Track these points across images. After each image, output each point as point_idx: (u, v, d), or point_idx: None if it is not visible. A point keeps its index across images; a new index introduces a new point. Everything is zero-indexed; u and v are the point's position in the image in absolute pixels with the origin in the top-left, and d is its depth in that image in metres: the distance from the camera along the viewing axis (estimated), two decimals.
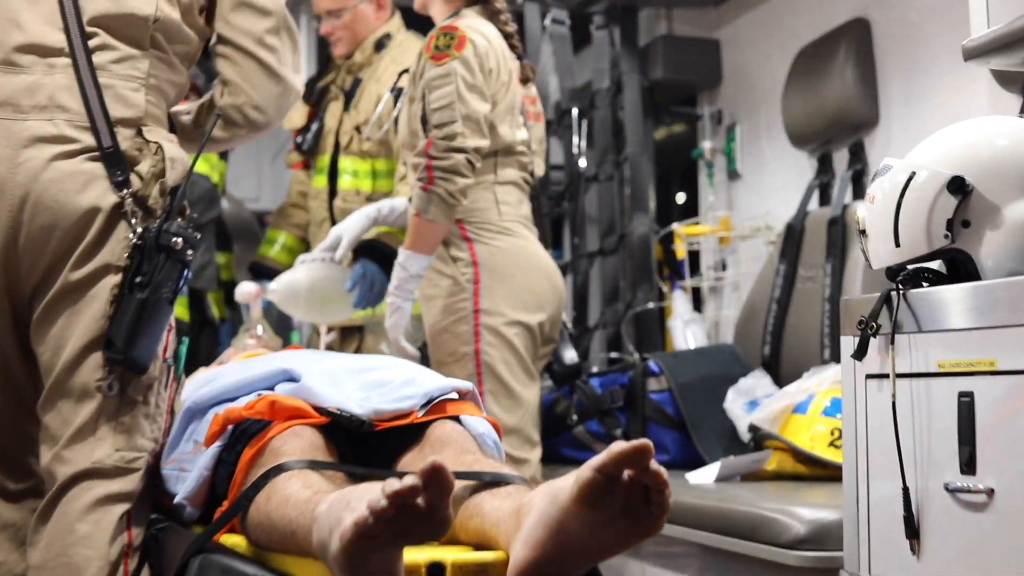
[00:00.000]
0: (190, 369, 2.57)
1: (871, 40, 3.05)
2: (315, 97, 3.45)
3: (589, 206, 3.92)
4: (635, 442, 1.28)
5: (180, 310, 3.53)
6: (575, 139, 3.85)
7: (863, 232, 1.74)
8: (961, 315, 1.57)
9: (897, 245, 1.67)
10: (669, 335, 3.66)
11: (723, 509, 2.15)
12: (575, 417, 2.94)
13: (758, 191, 3.63)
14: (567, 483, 1.34)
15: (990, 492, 1.49)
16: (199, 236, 3.51)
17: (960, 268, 1.66)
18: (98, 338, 1.76)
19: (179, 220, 1.80)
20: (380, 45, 3.34)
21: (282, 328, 3.67)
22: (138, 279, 1.75)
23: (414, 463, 1.71)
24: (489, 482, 1.55)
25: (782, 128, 3.30)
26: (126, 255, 1.77)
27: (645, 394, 2.89)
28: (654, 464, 1.30)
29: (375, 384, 1.85)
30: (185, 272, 1.81)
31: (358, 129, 3.28)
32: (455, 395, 1.85)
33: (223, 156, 3.70)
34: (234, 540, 1.62)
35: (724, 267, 3.78)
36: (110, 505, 1.76)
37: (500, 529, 1.45)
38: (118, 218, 1.77)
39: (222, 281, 3.73)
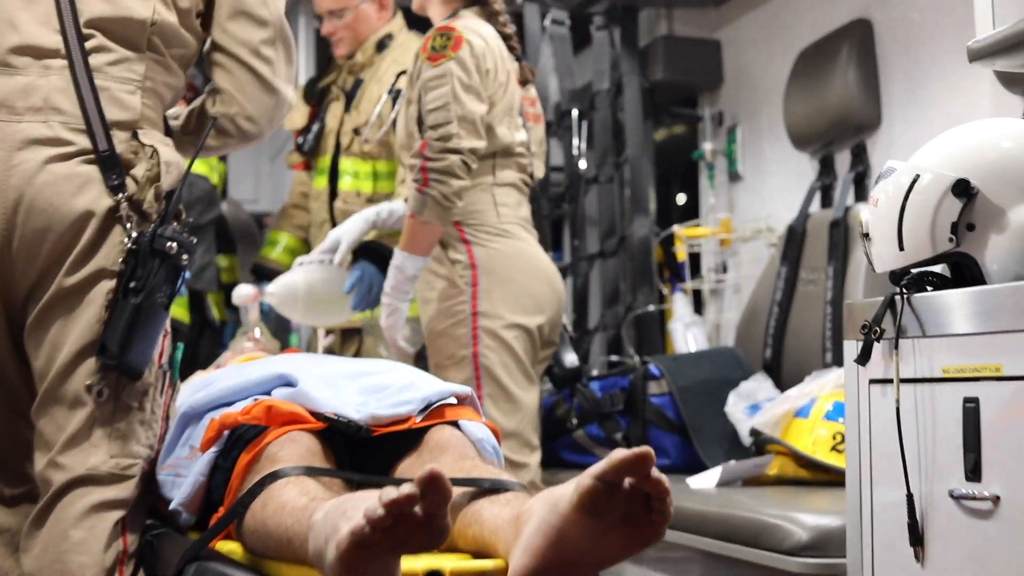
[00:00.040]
0: (189, 371, 2.56)
1: (873, 41, 3.04)
2: (316, 97, 3.43)
3: (589, 208, 3.91)
4: (636, 450, 1.26)
5: (181, 312, 3.52)
6: (575, 140, 3.83)
7: (866, 235, 1.73)
8: (966, 320, 1.55)
9: (901, 249, 1.66)
10: (669, 338, 3.65)
11: (725, 515, 2.14)
12: (575, 421, 2.92)
13: (759, 193, 3.62)
14: (567, 490, 1.33)
15: (996, 499, 1.48)
16: (198, 238, 3.53)
17: (965, 272, 1.65)
18: (92, 343, 1.74)
19: (174, 224, 1.79)
20: (381, 45, 3.32)
21: (282, 330, 3.66)
22: (132, 284, 1.73)
23: (412, 469, 1.69)
24: (488, 489, 1.53)
25: (783, 129, 3.29)
26: (120, 260, 1.75)
27: (645, 398, 2.87)
28: (655, 472, 1.28)
29: (373, 388, 1.83)
30: (180, 277, 1.79)
31: (356, 132, 3.26)
32: (454, 400, 1.83)
33: (222, 157, 3.68)
34: (230, 547, 1.61)
35: (725, 269, 3.76)
36: (105, 512, 1.75)
37: (499, 537, 1.43)
38: (113, 222, 1.75)
39: (224, 283, 3.72)
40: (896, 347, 1.63)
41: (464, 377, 2.51)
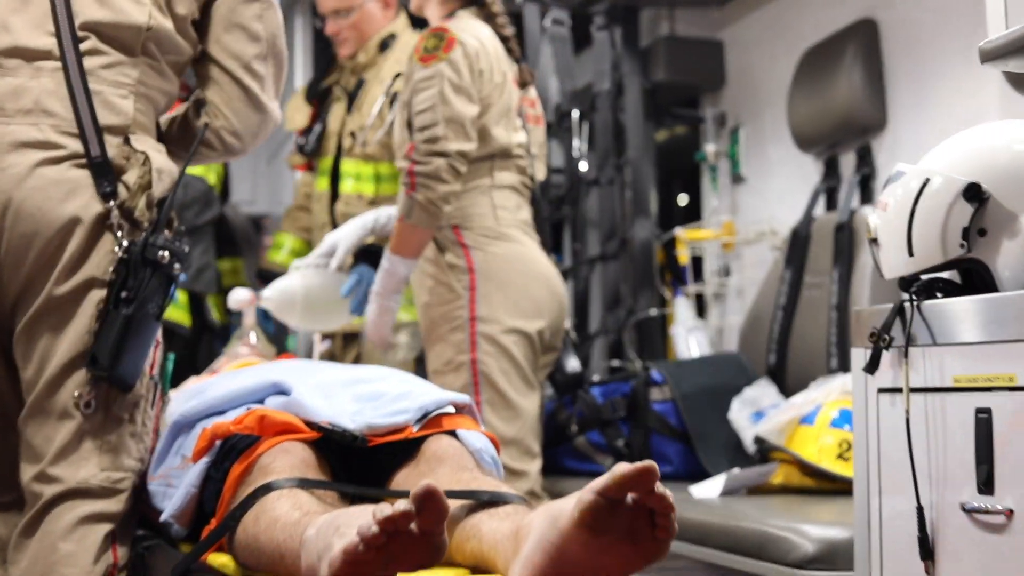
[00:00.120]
0: (188, 374, 2.53)
1: (879, 41, 3.00)
2: (318, 98, 3.39)
3: (590, 210, 3.88)
4: (639, 464, 1.23)
5: (181, 314, 3.49)
6: (575, 142, 3.80)
7: (875, 241, 1.70)
8: (978, 328, 1.52)
9: (911, 254, 1.63)
10: (671, 342, 3.61)
11: (729, 526, 2.10)
12: (576, 428, 2.89)
13: (763, 195, 3.59)
14: (568, 505, 1.29)
15: (1009, 513, 1.45)
16: (196, 239, 3.50)
17: (976, 279, 1.62)
18: (82, 354, 1.72)
19: (166, 233, 1.76)
20: (384, 45, 3.29)
21: (283, 333, 3.62)
22: (124, 294, 1.71)
23: (409, 480, 1.67)
24: (487, 502, 1.50)
25: (787, 131, 3.25)
26: (111, 269, 1.72)
27: (647, 404, 2.84)
28: (659, 487, 1.25)
29: (369, 396, 1.80)
30: (172, 287, 1.77)
31: (353, 135, 3.22)
32: (451, 409, 1.80)
33: None
34: (222, 560, 1.58)
35: (728, 273, 3.73)
36: (95, 524, 1.73)
37: (498, 552, 1.40)
38: (102, 229, 1.73)
39: (228, 286, 3.69)
40: (906, 355, 1.60)
41: (462, 383, 2.48)
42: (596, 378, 3.15)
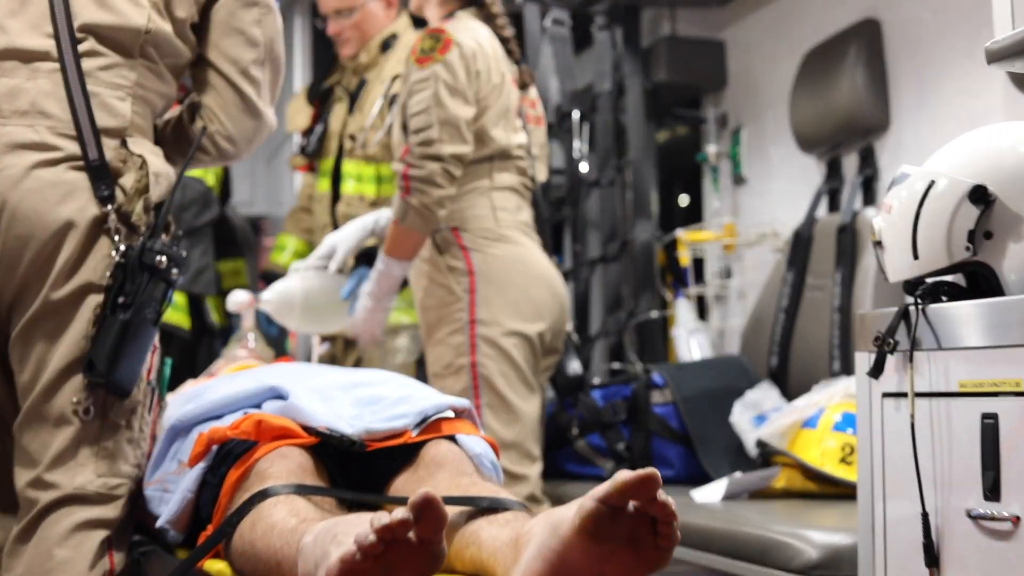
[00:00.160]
0: (188, 377, 2.51)
1: (882, 41, 2.98)
2: (320, 98, 3.37)
3: (590, 212, 3.85)
4: (641, 472, 1.21)
5: (180, 317, 3.48)
6: (576, 143, 3.77)
7: (879, 243, 1.68)
8: (984, 332, 1.50)
9: (915, 257, 1.61)
10: (672, 344, 3.59)
11: (731, 531, 2.08)
12: (576, 431, 2.87)
13: (764, 197, 3.57)
14: (568, 513, 1.28)
15: (1016, 520, 1.43)
16: (194, 240, 3.48)
17: (982, 282, 1.60)
18: (79, 360, 1.70)
19: (163, 237, 1.74)
20: (386, 45, 3.27)
21: (285, 335, 3.60)
22: (121, 299, 1.70)
23: (408, 486, 1.66)
24: (486, 508, 1.48)
25: (789, 132, 3.24)
26: (108, 274, 1.71)
27: (649, 407, 2.82)
28: (662, 494, 1.23)
29: (367, 401, 1.79)
30: (170, 292, 1.75)
31: (352, 138, 3.20)
32: (451, 413, 1.79)
33: None
34: (218, 567, 1.56)
35: (729, 275, 3.71)
36: (91, 530, 1.71)
37: (497, 559, 1.39)
38: (98, 233, 1.71)
39: (232, 288, 3.67)
40: (911, 360, 1.58)
41: (462, 386, 2.47)
42: (597, 381, 3.13)
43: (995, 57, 1.67)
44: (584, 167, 3.78)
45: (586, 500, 1.24)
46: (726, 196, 3.76)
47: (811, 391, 2.60)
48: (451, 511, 1.46)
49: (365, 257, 2.80)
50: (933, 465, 1.55)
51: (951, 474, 1.53)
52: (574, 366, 2.74)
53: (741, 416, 2.70)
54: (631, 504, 1.23)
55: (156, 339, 1.80)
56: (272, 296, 2.76)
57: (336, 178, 3.27)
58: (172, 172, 1.83)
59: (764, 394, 2.77)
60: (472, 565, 1.43)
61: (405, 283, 2.78)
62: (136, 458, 1.79)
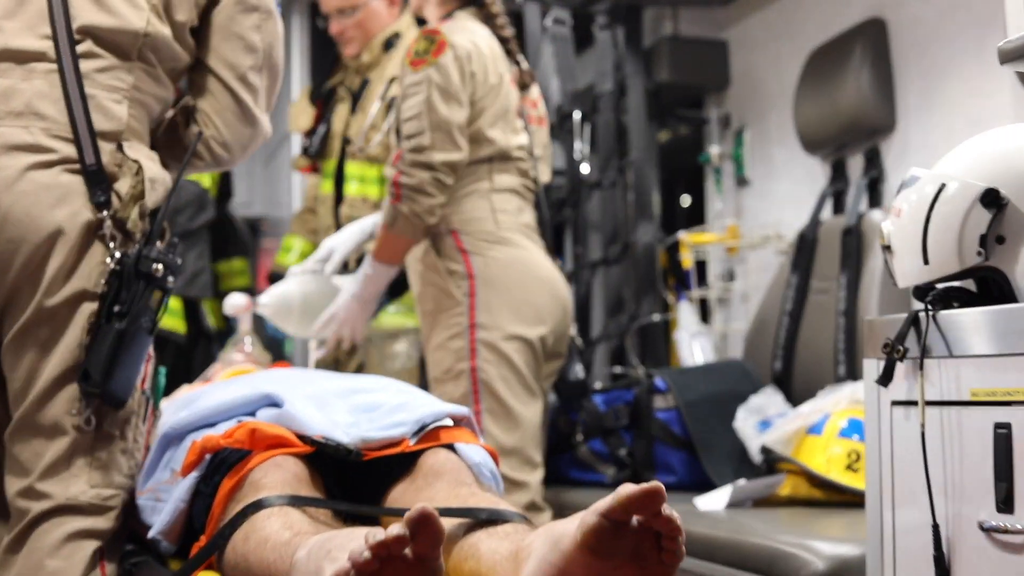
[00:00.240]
0: (181, 382, 2.48)
1: (887, 41, 2.95)
2: (323, 98, 3.34)
3: (592, 213, 3.82)
4: (645, 485, 1.18)
5: (175, 321, 3.45)
6: (577, 144, 3.74)
7: (888, 248, 1.64)
8: (996, 339, 1.46)
9: (926, 262, 1.57)
10: (674, 348, 3.56)
11: (736, 541, 2.04)
12: (581, 436, 2.84)
13: (768, 198, 3.54)
14: (570, 527, 1.25)
15: None
16: (190, 243, 3.45)
17: (993, 288, 1.56)
18: (73, 369, 1.68)
19: (158, 244, 1.72)
20: (389, 44, 3.24)
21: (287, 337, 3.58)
22: (117, 308, 1.67)
23: (405, 496, 1.63)
24: (485, 520, 1.46)
25: (793, 133, 3.20)
26: (103, 281, 1.68)
27: (651, 412, 2.78)
28: (666, 509, 1.20)
29: (365, 408, 1.77)
30: (165, 300, 1.74)
31: (348, 141, 3.17)
32: (449, 421, 1.77)
33: None
34: None
35: (732, 278, 3.68)
36: (83, 540, 1.69)
37: (497, 573, 1.36)
38: (92, 239, 1.69)
39: (237, 288, 3.64)
40: (921, 367, 1.54)
41: (462, 392, 2.44)
42: (598, 385, 3.10)
43: (1008, 57, 1.63)
44: (585, 168, 3.75)
45: (588, 514, 1.21)
46: (729, 198, 3.73)
47: (816, 396, 2.57)
48: (449, 523, 1.44)
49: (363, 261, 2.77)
50: (944, 476, 1.52)
51: (962, 485, 1.49)
52: (576, 371, 2.71)
53: (745, 422, 2.67)
54: (635, 518, 1.20)
55: (151, 348, 1.78)
56: (270, 300, 2.74)
57: (339, 179, 3.24)
58: (168, 178, 1.81)
59: (768, 399, 2.73)
60: None
61: (407, 287, 2.76)
62: (130, 468, 1.77)
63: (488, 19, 2.62)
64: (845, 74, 2.95)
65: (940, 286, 1.59)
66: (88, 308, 1.68)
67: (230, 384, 2.01)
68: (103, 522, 1.71)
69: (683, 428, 2.75)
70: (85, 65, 1.72)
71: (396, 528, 1.15)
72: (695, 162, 3.88)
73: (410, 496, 1.61)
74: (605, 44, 3.75)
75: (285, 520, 1.44)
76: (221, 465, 1.64)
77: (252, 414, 1.76)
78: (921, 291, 1.60)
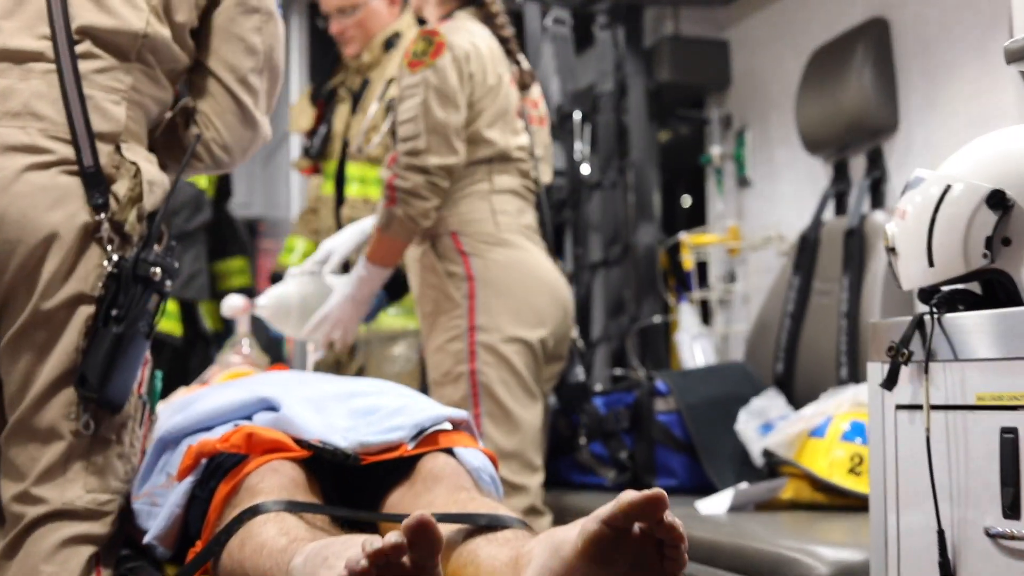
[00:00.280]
0: (176, 385, 2.46)
1: (890, 41, 2.92)
2: (324, 98, 3.32)
3: (592, 214, 3.80)
4: (648, 492, 1.16)
5: (171, 324, 3.43)
6: (577, 144, 3.73)
7: (893, 250, 1.63)
8: (1002, 343, 1.44)
9: (931, 264, 1.56)
10: (675, 350, 3.54)
11: (739, 545, 2.02)
12: (585, 439, 2.82)
13: (770, 199, 3.51)
14: (571, 534, 1.23)
15: None
16: (186, 245, 3.43)
17: (999, 290, 1.54)
18: (69, 372, 1.66)
19: (156, 248, 1.71)
20: (389, 44, 3.22)
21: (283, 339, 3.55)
22: (114, 312, 1.66)
23: (403, 501, 1.62)
24: (485, 526, 1.44)
25: (795, 133, 3.18)
26: (100, 284, 1.67)
27: (652, 415, 2.76)
28: (669, 516, 1.18)
29: (363, 411, 1.75)
30: (162, 303, 1.73)
31: (346, 142, 3.15)
32: (448, 425, 1.74)
33: None
34: None
35: (733, 279, 3.66)
36: (79, 546, 1.68)
37: None
38: (89, 241, 1.67)
39: (239, 288, 3.62)
40: (926, 371, 1.52)
41: (461, 395, 2.42)
42: (599, 388, 3.08)
43: (1015, 57, 1.62)
44: (585, 169, 3.73)
45: (589, 521, 1.19)
46: (730, 198, 3.71)
47: (818, 399, 2.55)
48: (448, 528, 1.42)
49: None
50: (949, 481, 1.50)
51: (968, 490, 1.47)
52: (577, 373, 2.69)
53: (746, 424, 2.65)
54: (637, 526, 1.18)
55: (148, 352, 1.76)
56: (268, 301, 2.72)
57: (340, 180, 3.22)
58: (166, 180, 1.80)
59: (770, 402, 2.71)
60: None
61: (407, 289, 2.74)
62: (126, 473, 1.75)
63: (488, 19, 2.60)
64: (847, 74, 2.93)
65: (945, 289, 1.58)
66: (85, 311, 1.67)
67: (226, 387, 2.00)
68: (99, 527, 1.69)
69: (684, 431, 2.73)
70: (83, 66, 1.71)
71: (394, 536, 1.13)
72: (696, 163, 3.86)
73: (408, 501, 1.59)
74: (605, 44, 3.74)
75: (281, 526, 1.42)
76: (217, 470, 1.62)
77: (249, 418, 1.75)
78: (926, 294, 1.59)
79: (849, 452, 2.35)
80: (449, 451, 1.67)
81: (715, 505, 2.37)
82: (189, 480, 1.65)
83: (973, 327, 1.48)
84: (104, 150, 1.70)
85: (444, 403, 2.03)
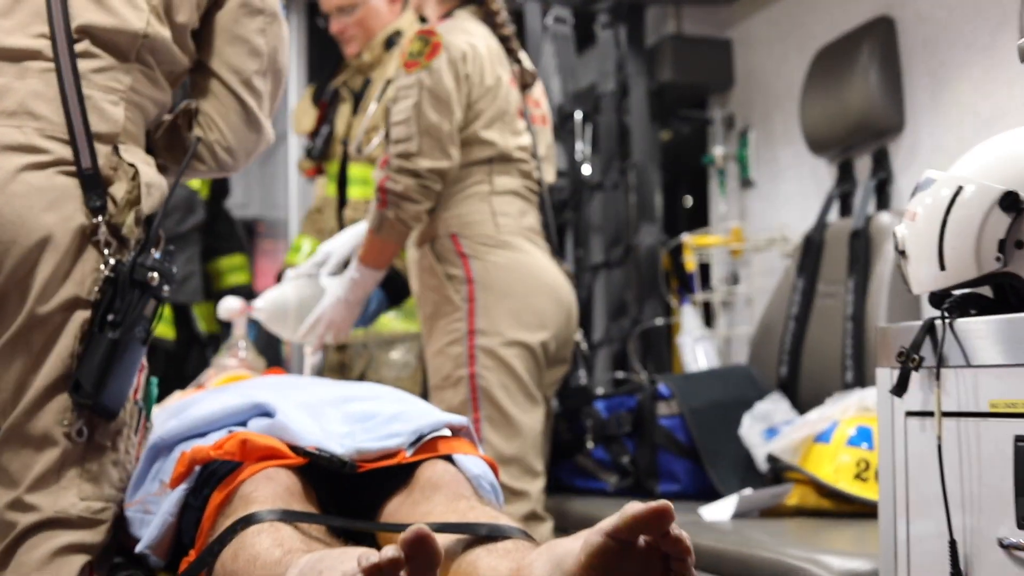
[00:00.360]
0: (171, 389, 2.43)
1: (896, 40, 2.90)
2: (326, 99, 3.29)
3: (593, 215, 3.78)
4: (653, 504, 1.13)
5: (164, 327, 3.39)
6: (578, 144, 3.70)
7: (903, 253, 1.59)
8: (1016, 348, 1.41)
9: (942, 268, 1.52)
10: (677, 352, 3.51)
11: (743, 554, 1.99)
12: (591, 443, 2.79)
13: (773, 200, 3.49)
14: (574, 547, 1.20)
15: None
16: (179, 247, 3.39)
17: (1011, 295, 1.51)
18: (64, 378, 1.63)
19: (154, 252, 1.68)
20: (390, 43, 3.18)
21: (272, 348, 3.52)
22: (110, 317, 1.63)
23: (401, 510, 1.58)
24: (485, 536, 1.41)
25: (799, 133, 3.16)
26: (97, 289, 1.64)
27: (654, 420, 2.73)
28: (675, 529, 1.15)
29: (360, 417, 1.72)
30: (159, 309, 1.70)
31: (344, 144, 3.12)
32: (447, 431, 1.71)
33: None
34: None
35: (736, 281, 3.63)
36: (71, 555, 1.64)
37: None
38: (85, 244, 1.64)
39: (239, 286, 3.59)
40: (937, 377, 1.49)
41: (461, 399, 2.39)
42: (600, 391, 3.05)
43: None
44: (587, 169, 3.70)
45: (593, 534, 1.16)
46: (733, 199, 3.68)
47: (824, 404, 2.52)
48: (447, 539, 1.39)
49: None
50: (961, 490, 1.47)
51: (980, 500, 1.44)
52: (579, 376, 2.66)
53: (751, 429, 2.62)
54: (641, 539, 1.15)
55: (144, 358, 1.73)
56: (265, 304, 2.70)
57: (342, 181, 3.19)
58: (164, 183, 1.77)
59: (774, 406, 2.68)
60: None
61: (407, 293, 2.71)
62: (121, 480, 1.72)
63: (488, 18, 2.57)
64: (852, 73, 2.90)
65: (957, 293, 1.55)
66: (81, 316, 1.64)
67: (221, 392, 1.96)
68: (93, 536, 1.66)
69: (687, 435, 2.70)
70: (82, 65, 1.68)
71: (390, 550, 1.10)
72: (698, 163, 3.84)
73: (406, 510, 1.56)
74: (607, 43, 3.71)
75: (276, 537, 1.39)
76: (211, 477, 1.59)
77: (243, 424, 1.71)
78: (937, 298, 1.56)
79: (855, 457, 2.31)
80: (448, 458, 1.64)
81: (719, 511, 2.34)
82: (182, 488, 1.61)
83: (986, 332, 1.45)
84: (102, 151, 1.67)
85: (444, 407, 2.00)
